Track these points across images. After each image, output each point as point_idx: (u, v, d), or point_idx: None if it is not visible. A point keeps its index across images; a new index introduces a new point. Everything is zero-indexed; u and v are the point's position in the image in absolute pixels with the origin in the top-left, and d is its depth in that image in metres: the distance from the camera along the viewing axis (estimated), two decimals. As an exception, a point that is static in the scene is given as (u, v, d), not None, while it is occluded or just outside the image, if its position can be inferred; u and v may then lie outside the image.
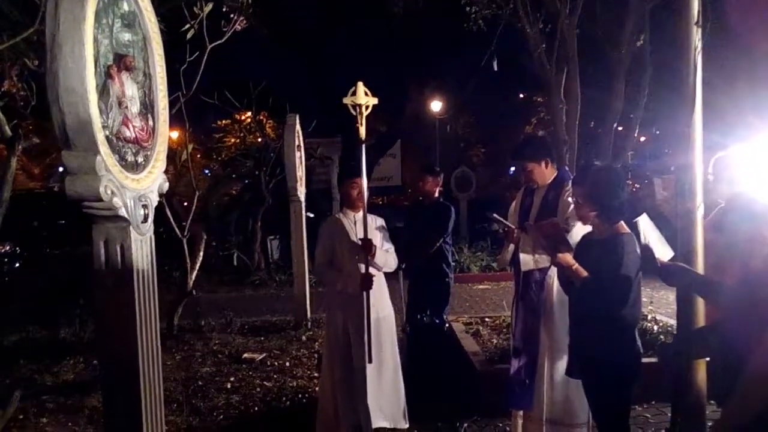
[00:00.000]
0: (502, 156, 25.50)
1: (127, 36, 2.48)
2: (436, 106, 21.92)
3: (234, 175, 15.37)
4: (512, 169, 25.55)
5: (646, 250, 2.35)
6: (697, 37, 2.68)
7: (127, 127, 2.44)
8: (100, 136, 2.18)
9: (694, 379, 2.90)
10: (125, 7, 2.46)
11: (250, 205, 13.42)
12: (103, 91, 2.26)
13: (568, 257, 2.78)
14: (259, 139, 15.25)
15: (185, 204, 10.68)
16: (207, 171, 20.13)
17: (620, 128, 6.42)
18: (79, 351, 6.42)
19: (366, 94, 3.86)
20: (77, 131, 2.11)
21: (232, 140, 20.41)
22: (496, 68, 6.93)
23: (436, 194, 5.69)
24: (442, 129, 23.48)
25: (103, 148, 2.20)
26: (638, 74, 6.07)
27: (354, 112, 3.82)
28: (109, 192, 2.22)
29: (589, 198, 2.83)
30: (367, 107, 3.85)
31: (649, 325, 5.82)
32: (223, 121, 21.41)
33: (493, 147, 26.35)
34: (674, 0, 3.31)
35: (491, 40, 7.26)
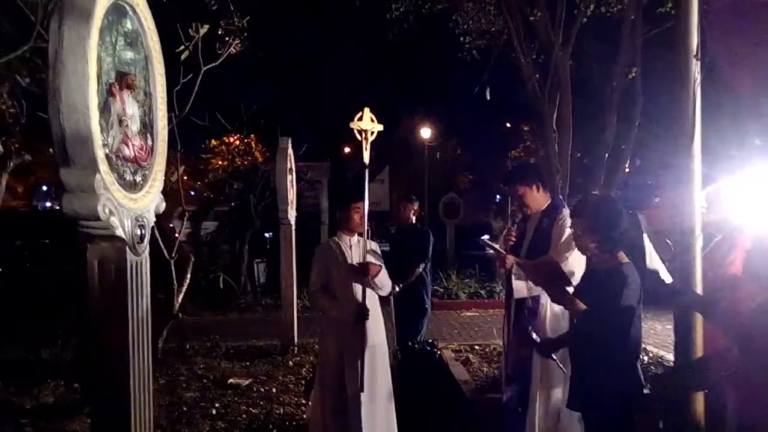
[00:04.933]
0: (488, 183, 25.70)
1: (129, 54, 2.46)
2: (425, 132, 22.10)
3: (221, 198, 15.28)
4: (498, 196, 25.74)
5: (652, 273, 2.34)
6: (696, 69, 2.71)
7: (127, 146, 2.41)
8: (100, 154, 2.14)
9: (693, 411, 2.88)
10: (129, 25, 2.45)
11: (237, 227, 13.31)
12: (104, 109, 2.23)
13: (563, 290, 2.77)
14: (246, 163, 15.23)
15: (171, 225, 10.57)
16: (192, 192, 20.05)
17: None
18: (60, 373, 6.26)
19: (372, 120, 3.88)
20: (77, 148, 2.07)
21: (220, 162, 20.38)
22: (488, 97, 7.00)
23: (413, 219, 6.16)
24: (431, 155, 23.64)
25: (103, 166, 2.16)
26: (629, 106, 6.15)
27: (360, 137, 3.84)
28: (107, 211, 2.18)
29: (589, 229, 2.83)
30: (372, 133, 3.86)
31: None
32: (212, 143, 21.41)
33: (480, 174, 26.58)
34: (670, 34, 3.36)
35: (482, 69, 7.36)
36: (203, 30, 5.75)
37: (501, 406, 3.89)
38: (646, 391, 3.00)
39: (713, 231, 3.30)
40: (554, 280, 2.84)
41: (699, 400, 2.98)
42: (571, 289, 3.07)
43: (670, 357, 6.28)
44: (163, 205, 2.73)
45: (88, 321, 2.32)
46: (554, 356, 3.09)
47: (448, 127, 24.33)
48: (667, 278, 2.51)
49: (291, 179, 7.85)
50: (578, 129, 6.36)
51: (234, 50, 6.69)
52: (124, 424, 2.36)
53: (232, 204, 14.57)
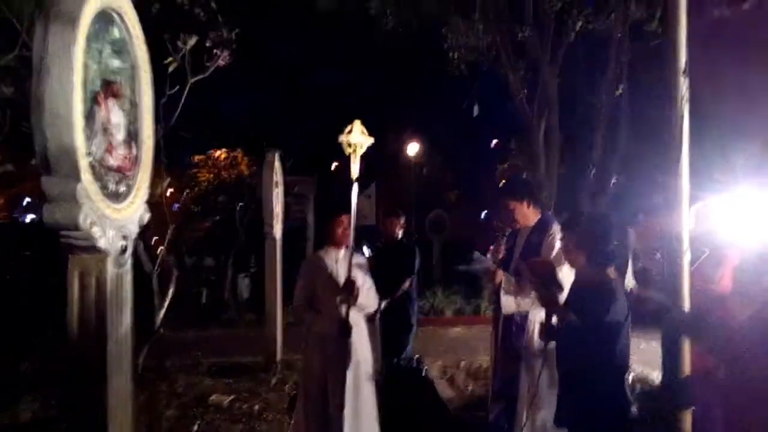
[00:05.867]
0: (475, 199, 25.74)
1: (116, 63, 2.42)
2: (412, 148, 22.11)
3: (206, 211, 15.15)
4: (484, 212, 25.81)
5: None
6: (684, 86, 2.73)
7: (111, 155, 2.36)
8: (83, 163, 2.10)
9: (681, 429, 2.86)
10: (116, 33, 2.42)
11: (222, 241, 13.19)
12: (89, 117, 2.19)
13: (554, 294, 2.75)
14: (232, 176, 15.13)
15: (155, 238, 10.44)
16: (176, 205, 19.82)
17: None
18: (39, 386, 6.11)
19: (363, 133, 3.83)
20: (59, 157, 2.03)
21: (206, 175, 20.22)
22: (476, 114, 7.03)
23: (399, 235, 6.08)
24: (417, 171, 23.66)
25: (86, 175, 2.12)
26: (616, 122, 6.20)
27: (348, 151, 3.78)
28: (88, 221, 2.13)
29: (580, 244, 2.82)
30: (361, 146, 3.81)
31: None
32: (198, 157, 21.25)
33: (467, 190, 26.62)
34: (657, 51, 3.38)
35: (470, 85, 7.40)
36: (191, 42, 5.72)
37: (488, 424, 3.84)
38: (633, 409, 2.98)
39: (700, 245, 3.31)
40: (547, 282, 2.82)
41: (687, 419, 2.96)
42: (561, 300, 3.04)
43: (656, 375, 6.27)
44: (147, 216, 2.68)
45: (67, 334, 2.26)
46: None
47: (435, 143, 24.41)
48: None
49: (278, 193, 7.78)
50: (566, 145, 6.40)
51: (222, 62, 6.65)
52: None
53: (217, 217, 14.46)
